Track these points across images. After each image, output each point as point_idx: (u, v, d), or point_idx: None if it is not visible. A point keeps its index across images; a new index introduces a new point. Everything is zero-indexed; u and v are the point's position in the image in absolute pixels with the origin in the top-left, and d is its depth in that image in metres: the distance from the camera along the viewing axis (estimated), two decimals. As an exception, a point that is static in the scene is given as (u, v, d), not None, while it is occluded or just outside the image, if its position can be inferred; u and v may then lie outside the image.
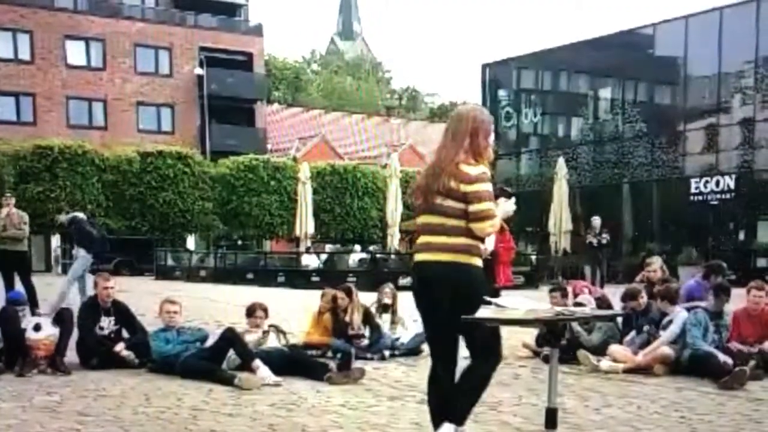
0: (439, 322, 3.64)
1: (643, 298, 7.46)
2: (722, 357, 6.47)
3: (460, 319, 3.45)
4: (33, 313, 7.97)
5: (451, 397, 3.62)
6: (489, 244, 7.69)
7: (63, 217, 11.61)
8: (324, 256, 24.04)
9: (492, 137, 3.67)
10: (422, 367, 7.16)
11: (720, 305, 6.95)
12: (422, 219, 3.67)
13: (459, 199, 3.53)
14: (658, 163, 27.12)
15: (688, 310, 7.07)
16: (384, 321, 8.02)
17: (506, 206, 3.84)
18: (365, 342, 7.58)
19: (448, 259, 3.55)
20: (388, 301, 8.16)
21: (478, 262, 3.62)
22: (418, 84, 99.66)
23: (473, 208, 3.51)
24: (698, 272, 8.55)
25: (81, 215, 11.53)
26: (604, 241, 18.15)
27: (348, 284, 8.62)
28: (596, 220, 18.37)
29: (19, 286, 10.13)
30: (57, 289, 11.36)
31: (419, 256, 3.68)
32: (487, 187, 3.56)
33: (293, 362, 6.69)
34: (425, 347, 7.95)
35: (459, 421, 3.61)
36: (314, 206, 24.64)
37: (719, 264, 8.36)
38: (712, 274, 7.90)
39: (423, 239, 3.67)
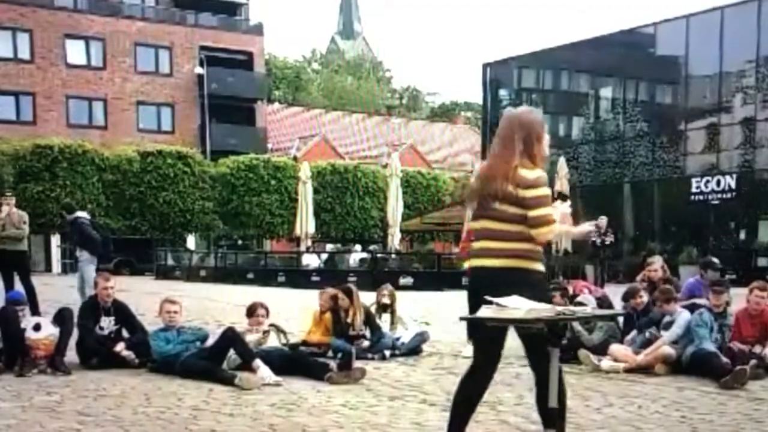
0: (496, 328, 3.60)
1: (642, 297, 7.50)
2: (723, 357, 6.48)
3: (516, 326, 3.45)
4: (33, 314, 7.94)
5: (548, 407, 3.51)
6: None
7: (68, 217, 11.54)
8: (324, 256, 24.04)
9: (546, 139, 3.61)
10: (423, 366, 7.28)
11: (718, 300, 6.98)
12: (480, 224, 3.62)
13: (517, 204, 3.48)
14: (659, 163, 27.20)
15: (690, 309, 7.10)
16: (384, 321, 8.03)
17: (562, 209, 3.76)
18: (366, 343, 7.59)
19: (509, 265, 3.51)
20: (386, 301, 8.17)
21: (540, 267, 3.59)
22: (419, 83, 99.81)
23: (533, 213, 3.46)
24: (699, 271, 8.61)
25: (84, 216, 11.44)
26: (608, 242, 18.16)
27: (349, 285, 8.60)
28: (602, 220, 18.36)
29: (18, 286, 10.05)
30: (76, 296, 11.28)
31: (478, 261, 3.62)
32: (546, 191, 3.52)
33: (294, 362, 6.70)
34: (425, 347, 8.13)
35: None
36: (315, 206, 24.65)
37: (710, 260, 8.49)
38: (704, 269, 8.09)
39: (481, 244, 3.61)
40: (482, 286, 3.54)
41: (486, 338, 3.57)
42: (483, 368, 3.68)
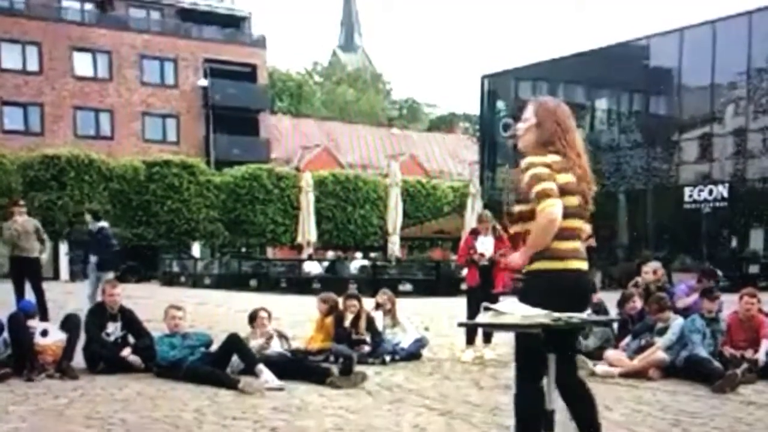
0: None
1: (635, 303, 7.65)
2: (715, 362, 6.61)
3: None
4: (42, 319, 7.91)
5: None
6: (488, 251, 8.21)
7: (91, 225, 11.45)
8: (326, 263, 24.24)
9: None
10: (422, 371, 7.29)
11: (710, 307, 7.09)
12: (577, 223, 3.41)
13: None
14: (653, 172, 27.44)
15: (683, 314, 7.25)
16: (385, 325, 8.17)
17: None
18: (367, 348, 7.69)
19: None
20: (387, 306, 8.31)
21: None
22: (418, 95, 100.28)
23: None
24: (692, 278, 8.64)
25: (107, 227, 11.49)
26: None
27: (354, 292, 8.73)
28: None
29: (28, 294, 10.09)
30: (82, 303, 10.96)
31: (576, 264, 3.36)
32: None
33: (296, 367, 6.74)
34: (425, 352, 8.10)
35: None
36: (316, 214, 24.86)
37: (712, 269, 8.49)
38: (704, 278, 8.07)
39: (575, 245, 3.38)
40: (583, 290, 3.44)
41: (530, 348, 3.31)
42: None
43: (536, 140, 3.37)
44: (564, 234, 3.28)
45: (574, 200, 3.32)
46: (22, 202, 11.14)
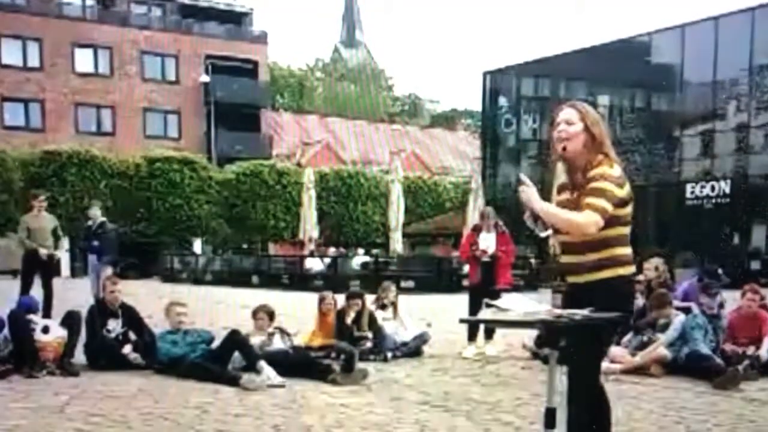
0: None
1: (637, 299, 7.57)
2: (717, 358, 6.65)
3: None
4: (44, 316, 7.96)
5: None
6: (490, 248, 8.21)
7: (95, 212, 11.42)
8: (327, 260, 24.26)
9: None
10: (424, 368, 7.35)
11: (709, 303, 7.12)
12: (628, 230, 3.42)
13: None
14: (655, 169, 27.48)
15: (685, 311, 7.24)
16: (386, 319, 8.16)
17: None
18: (369, 344, 7.71)
19: None
20: (393, 299, 8.33)
21: None
22: (420, 91, 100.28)
23: None
24: (693, 274, 8.72)
25: (110, 224, 11.52)
26: None
27: (358, 290, 8.64)
28: None
29: (36, 291, 9.99)
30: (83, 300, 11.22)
31: (632, 269, 3.42)
32: None
33: (297, 363, 6.75)
34: (426, 348, 8.13)
35: None
36: (318, 211, 24.90)
37: (715, 270, 8.42)
38: (708, 277, 8.03)
39: (629, 251, 3.40)
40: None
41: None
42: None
43: (584, 144, 3.32)
44: (626, 240, 3.39)
45: (630, 208, 3.38)
46: (42, 197, 10.93)
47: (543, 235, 3.32)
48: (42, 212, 10.59)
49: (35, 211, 10.58)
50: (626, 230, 3.37)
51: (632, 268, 3.40)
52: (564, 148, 3.31)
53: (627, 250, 3.38)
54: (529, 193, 3.27)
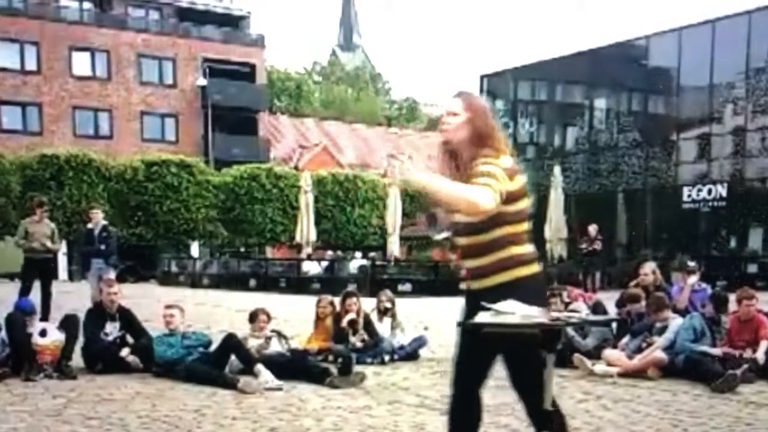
0: None
1: (641, 302, 7.63)
2: (714, 353, 6.65)
3: None
4: (42, 319, 7.97)
5: None
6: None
7: (92, 224, 11.46)
8: (325, 263, 24.26)
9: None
10: (421, 371, 7.35)
11: (686, 282, 7.25)
12: (529, 226, 3.22)
13: None
14: (652, 172, 27.52)
15: (682, 314, 7.29)
16: (384, 325, 8.13)
17: None
18: (359, 344, 7.69)
19: None
20: (387, 305, 8.30)
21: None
22: (417, 94, 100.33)
23: None
24: (692, 277, 8.58)
25: (112, 228, 11.57)
26: (597, 248, 18.61)
27: (353, 290, 8.66)
28: (592, 229, 18.91)
29: (34, 294, 10.01)
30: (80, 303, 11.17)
31: (539, 267, 3.23)
32: None
33: (295, 367, 6.75)
34: (423, 352, 8.06)
35: None
36: (315, 214, 24.89)
37: (725, 296, 7.92)
38: (714, 302, 7.63)
39: (534, 248, 3.23)
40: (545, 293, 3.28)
41: None
42: None
43: (470, 136, 3.07)
44: (527, 237, 3.12)
45: (527, 202, 3.11)
46: (46, 207, 11.06)
47: (438, 237, 3.11)
48: (44, 219, 10.70)
49: (37, 217, 10.65)
50: (522, 228, 3.09)
51: (536, 267, 3.11)
52: (446, 142, 3.09)
53: (526, 249, 3.10)
54: (402, 167, 2.91)
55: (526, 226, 3.11)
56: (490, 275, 3.07)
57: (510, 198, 2.99)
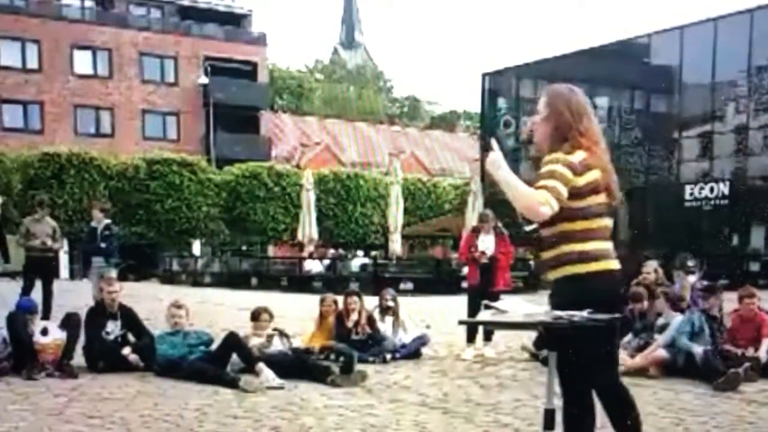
0: None
1: (644, 301, 7.69)
2: (717, 360, 6.66)
3: None
4: (43, 318, 7.98)
5: None
6: (489, 250, 8.23)
7: (100, 214, 11.36)
8: (327, 262, 24.28)
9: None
10: (423, 369, 7.43)
11: (713, 303, 7.14)
12: (605, 222, 3.11)
13: None
14: (654, 170, 27.51)
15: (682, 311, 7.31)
16: (387, 323, 8.20)
17: None
18: (362, 337, 7.74)
19: None
20: (390, 304, 8.36)
21: None
22: (419, 93, 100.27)
23: None
24: (694, 276, 8.68)
25: (115, 226, 11.54)
26: None
27: (355, 289, 8.70)
28: None
29: (35, 293, 10.02)
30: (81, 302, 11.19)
31: (612, 264, 3.10)
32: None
33: (296, 365, 6.77)
34: (425, 350, 8.17)
35: None
36: (317, 212, 24.92)
37: (713, 285, 8.07)
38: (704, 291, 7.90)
39: (608, 245, 3.12)
40: (618, 291, 3.24)
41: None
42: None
43: (549, 133, 3.09)
44: (595, 234, 3.05)
45: (601, 198, 3.06)
46: (48, 209, 11.09)
47: (528, 229, 3.10)
48: (45, 217, 10.71)
49: (38, 215, 10.64)
50: (590, 224, 3.03)
51: (604, 264, 3.05)
52: (530, 140, 3.15)
53: (591, 246, 3.04)
54: (493, 158, 3.00)
55: (598, 222, 3.06)
56: (553, 269, 3.10)
57: (576, 194, 2.96)
